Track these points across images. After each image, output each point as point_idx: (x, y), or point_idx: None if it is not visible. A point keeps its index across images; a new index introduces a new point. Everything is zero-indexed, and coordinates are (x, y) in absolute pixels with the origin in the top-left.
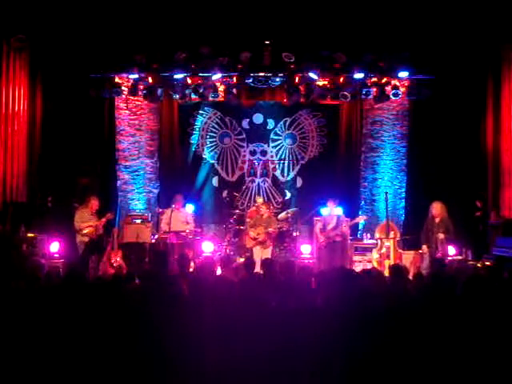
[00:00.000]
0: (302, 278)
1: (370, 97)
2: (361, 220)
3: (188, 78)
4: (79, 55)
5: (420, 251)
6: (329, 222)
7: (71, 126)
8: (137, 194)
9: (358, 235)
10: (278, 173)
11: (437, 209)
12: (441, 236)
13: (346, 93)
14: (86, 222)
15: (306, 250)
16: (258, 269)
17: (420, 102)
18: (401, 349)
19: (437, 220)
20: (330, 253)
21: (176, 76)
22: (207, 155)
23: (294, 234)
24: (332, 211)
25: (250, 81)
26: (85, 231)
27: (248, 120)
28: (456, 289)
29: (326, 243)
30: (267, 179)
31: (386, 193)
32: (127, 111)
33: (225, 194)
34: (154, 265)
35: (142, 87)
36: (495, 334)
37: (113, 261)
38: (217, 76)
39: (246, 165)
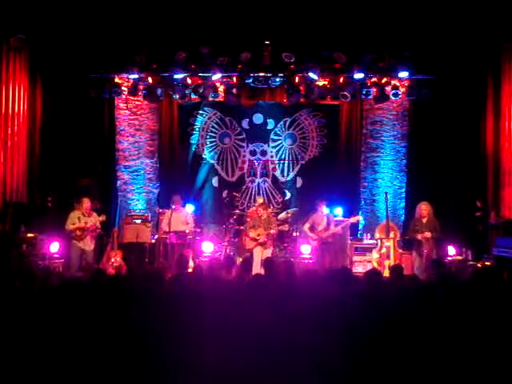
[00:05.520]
0: (298, 277)
1: (370, 97)
2: (354, 220)
3: (188, 78)
4: (79, 55)
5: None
6: (319, 223)
7: (71, 126)
8: (137, 194)
9: (358, 235)
10: (277, 173)
11: (425, 209)
12: (428, 235)
13: (345, 93)
14: (76, 223)
15: (305, 250)
16: (257, 269)
17: (420, 102)
18: (400, 350)
19: (424, 220)
20: (323, 254)
21: (176, 76)
22: (207, 155)
23: (294, 234)
24: (321, 211)
25: (250, 81)
26: (73, 233)
27: (248, 120)
28: (455, 289)
29: (318, 244)
30: (267, 179)
31: (386, 193)
32: (127, 111)
33: (225, 194)
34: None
35: (141, 87)
36: (495, 335)
37: (113, 261)
38: (217, 76)
39: (246, 165)
